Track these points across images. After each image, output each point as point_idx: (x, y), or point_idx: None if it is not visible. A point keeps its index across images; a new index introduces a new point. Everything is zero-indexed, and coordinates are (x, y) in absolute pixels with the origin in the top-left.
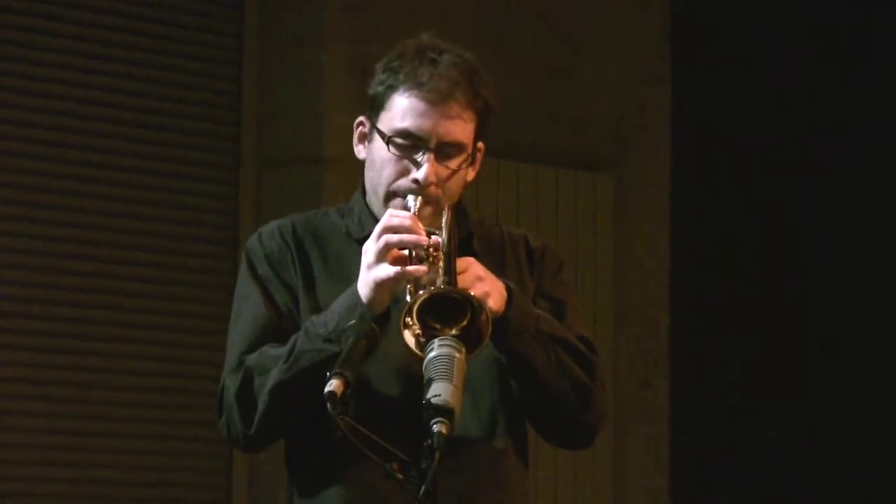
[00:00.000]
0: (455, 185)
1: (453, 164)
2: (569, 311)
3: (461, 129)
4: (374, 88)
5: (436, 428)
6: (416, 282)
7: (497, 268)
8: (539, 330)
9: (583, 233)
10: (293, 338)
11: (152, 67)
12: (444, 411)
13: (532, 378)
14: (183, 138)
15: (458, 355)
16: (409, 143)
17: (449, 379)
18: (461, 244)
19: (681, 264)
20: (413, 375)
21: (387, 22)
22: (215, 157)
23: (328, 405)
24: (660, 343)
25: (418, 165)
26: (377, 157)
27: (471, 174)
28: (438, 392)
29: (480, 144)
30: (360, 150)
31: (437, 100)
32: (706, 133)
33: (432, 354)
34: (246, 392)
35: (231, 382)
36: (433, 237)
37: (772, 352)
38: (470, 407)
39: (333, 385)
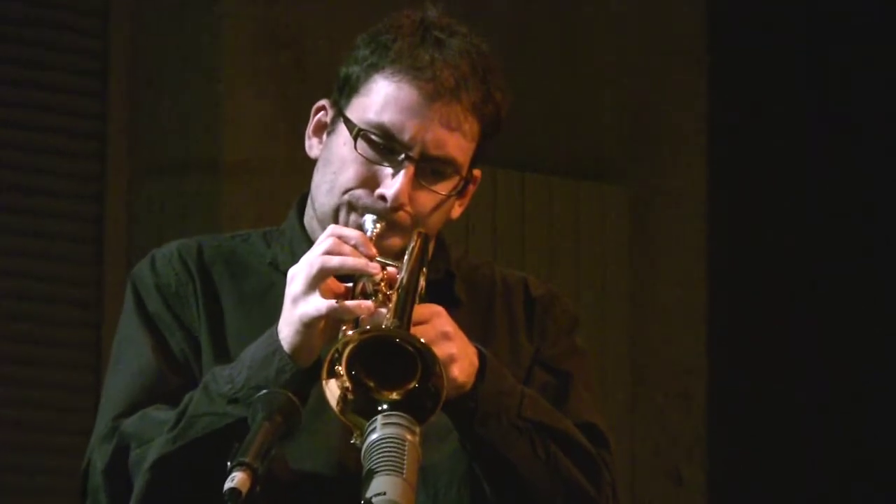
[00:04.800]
0: (436, 218)
1: (441, 187)
2: (575, 389)
3: (458, 142)
4: (350, 66)
5: None
6: (357, 324)
7: (482, 325)
8: (521, 416)
9: (587, 264)
10: (187, 397)
11: None
12: None
13: (509, 481)
14: (30, 135)
15: (409, 438)
16: (383, 144)
17: (397, 471)
18: (439, 287)
19: (722, 309)
20: (349, 462)
21: None
22: (73, 164)
23: None
24: (693, 419)
25: (390, 177)
26: (336, 155)
27: (456, 210)
28: (382, 489)
29: (477, 172)
30: (312, 145)
31: (434, 94)
32: (754, 131)
33: (375, 436)
34: (118, 468)
35: (99, 455)
36: (389, 268)
37: (841, 430)
38: None
39: (237, 480)
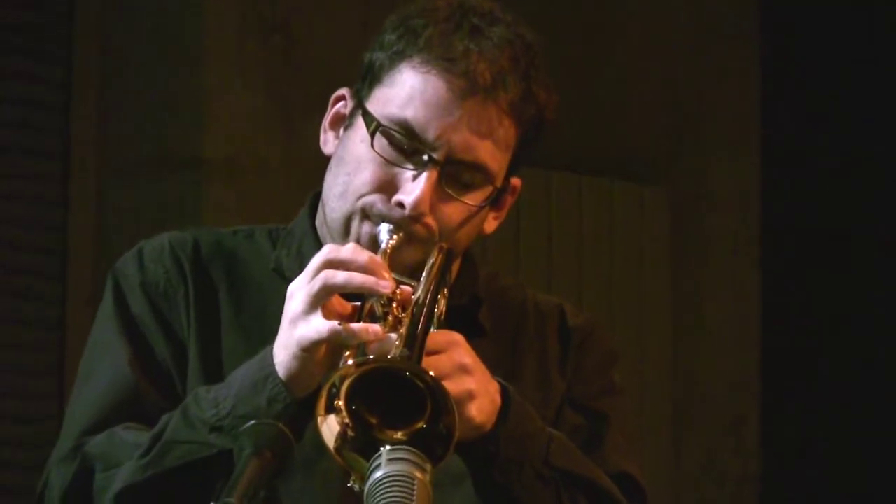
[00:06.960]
0: (465, 232)
1: (470, 198)
2: (610, 433)
3: (491, 149)
4: (374, 52)
5: None
6: (361, 349)
7: (509, 356)
8: (548, 463)
9: (622, 276)
10: (165, 418)
11: None
12: None
13: None
14: None
15: (419, 476)
16: (405, 144)
17: None
18: (462, 313)
19: (777, 329)
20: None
21: None
22: (32, 164)
23: None
24: (745, 460)
25: (411, 181)
26: (352, 153)
27: (491, 223)
28: None
29: (516, 181)
30: (328, 140)
31: (467, 90)
32: (815, 123)
33: (380, 474)
34: (79, 493)
35: (58, 477)
36: (402, 287)
37: None
38: None
39: None
